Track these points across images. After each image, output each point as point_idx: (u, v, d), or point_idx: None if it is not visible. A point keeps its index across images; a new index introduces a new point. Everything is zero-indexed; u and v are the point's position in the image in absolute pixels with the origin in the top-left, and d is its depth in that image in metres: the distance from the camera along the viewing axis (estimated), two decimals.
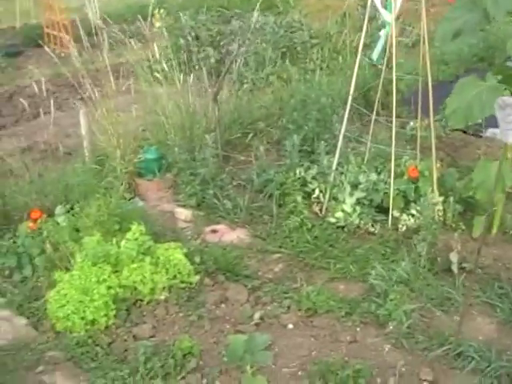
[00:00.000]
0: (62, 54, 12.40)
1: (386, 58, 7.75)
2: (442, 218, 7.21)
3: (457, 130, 9.84)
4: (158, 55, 9.53)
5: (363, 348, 5.57)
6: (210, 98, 8.42)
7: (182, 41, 11.94)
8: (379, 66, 8.05)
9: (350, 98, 7.35)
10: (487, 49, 12.92)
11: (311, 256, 6.83)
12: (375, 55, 7.94)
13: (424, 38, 7.15)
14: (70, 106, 10.78)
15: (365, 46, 8.72)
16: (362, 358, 5.41)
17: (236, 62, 9.54)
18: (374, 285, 6.20)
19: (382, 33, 7.73)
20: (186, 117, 8.39)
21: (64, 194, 7.41)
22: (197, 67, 10.41)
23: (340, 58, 11.83)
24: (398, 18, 8.14)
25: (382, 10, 7.43)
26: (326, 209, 7.42)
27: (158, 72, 9.00)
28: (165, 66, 8.79)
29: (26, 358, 5.48)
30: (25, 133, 10.09)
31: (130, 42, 9.34)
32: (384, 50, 7.74)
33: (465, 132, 9.89)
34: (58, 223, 6.74)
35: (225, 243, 7.03)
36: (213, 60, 11.44)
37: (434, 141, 7.39)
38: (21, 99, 10.15)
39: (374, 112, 7.86)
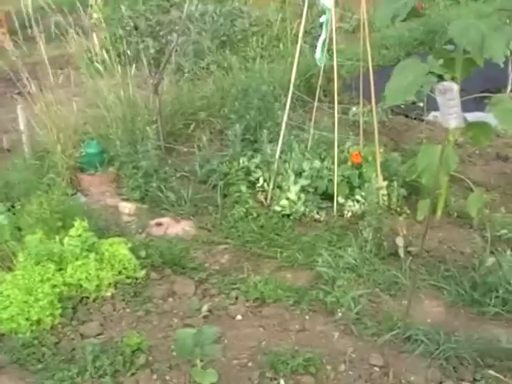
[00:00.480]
0: None
1: (325, 48, 7.72)
2: (386, 203, 7.25)
3: (399, 114, 9.95)
4: (97, 47, 9.38)
5: (312, 336, 5.55)
6: (151, 90, 8.31)
7: (120, 31, 11.76)
8: (320, 65, 8.01)
9: (292, 85, 7.32)
10: (427, 33, 13.06)
11: (257, 245, 6.80)
12: (318, 55, 7.91)
13: (364, 22, 7.14)
14: (7, 101, 10.54)
15: (305, 32, 8.76)
16: (311, 346, 5.39)
17: (175, 52, 9.41)
18: (321, 272, 6.19)
19: (323, 19, 7.70)
20: (127, 109, 8.26)
21: (4, 191, 7.27)
22: (137, 58, 10.27)
23: (281, 45, 11.82)
24: (337, 4, 8.12)
25: None
26: (271, 197, 7.38)
27: (98, 63, 8.86)
28: (106, 56, 8.64)
29: None
30: None
31: (68, 34, 9.15)
32: (324, 43, 7.71)
33: (407, 116, 9.99)
34: None
35: (170, 236, 6.96)
36: (152, 51, 11.28)
37: (376, 126, 7.40)
38: None
39: (316, 99, 7.85)
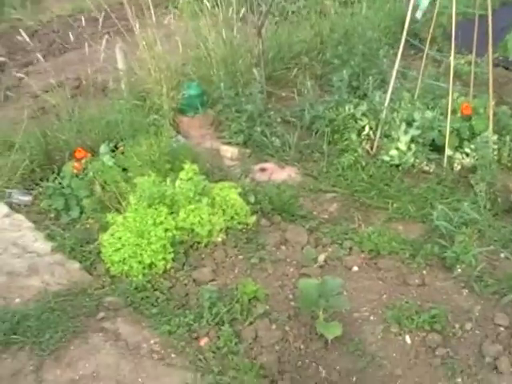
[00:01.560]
0: None
1: None
2: (497, 158, 6.96)
3: (497, 65, 9.56)
4: None
5: (433, 291, 5.36)
6: (253, 32, 8.08)
7: None
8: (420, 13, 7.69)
9: (405, 32, 7.00)
10: None
11: (367, 195, 6.62)
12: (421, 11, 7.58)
13: None
14: (96, 40, 10.39)
15: None
16: (433, 302, 5.20)
17: None
18: (437, 226, 5.95)
19: None
20: (228, 51, 8.04)
21: (106, 131, 7.15)
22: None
23: None
24: None
25: None
26: (377, 147, 7.15)
27: (189, 4, 8.66)
28: None
29: (84, 303, 5.28)
30: (54, 69, 9.75)
31: None
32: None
33: (507, 68, 9.60)
34: (103, 163, 6.48)
35: (276, 182, 6.79)
36: None
37: (491, 77, 7.07)
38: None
39: (427, 46, 7.54)
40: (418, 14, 7.55)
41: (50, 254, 5.89)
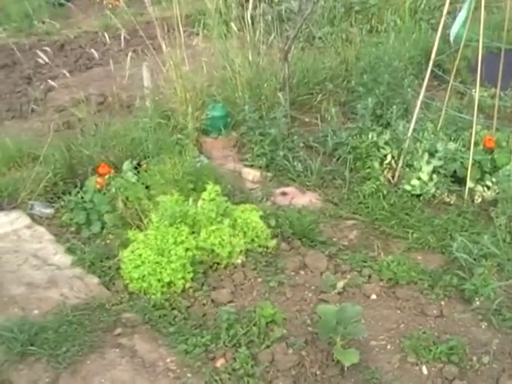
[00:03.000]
0: (110, 6, 12.13)
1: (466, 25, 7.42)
2: None
3: None
4: (213, 10, 9.23)
5: (451, 323, 5.35)
6: (280, 56, 8.13)
7: None
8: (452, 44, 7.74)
9: (431, 62, 7.04)
10: None
11: (387, 224, 6.63)
12: (455, 30, 7.59)
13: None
14: (122, 57, 10.47)
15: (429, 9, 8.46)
16: (451, 333, 5.19)
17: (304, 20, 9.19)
18: (457, 258, 5.95)
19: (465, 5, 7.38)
20: (254, 74, 8.10)
21: (130, 148, 7.20)
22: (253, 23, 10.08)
23: (397, 19, 11.47)
24: None
25: None
26: (399, 176, 7.16)
27: (212, 27, 8.73)
28: (233, 20, 8.47)
29: (102, 318, 5.30)
30: (79, 84, 9.86)
31: None
32: (465, 20, 7.41)
33: None
34: (127, 179, 6.52)
35: (296, 207, 6.81)
36: (268, 17, 11.07)
37: None
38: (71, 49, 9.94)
39: (452, 77, 7.56)
40: (452, 35, 7.54)
41: (70, 268, 5.93)
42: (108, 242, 6.29)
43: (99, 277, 5.82)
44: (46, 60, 7.70)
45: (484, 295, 5.51)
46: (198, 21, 9.42)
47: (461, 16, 7.46)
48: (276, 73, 8.31)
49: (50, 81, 9.81)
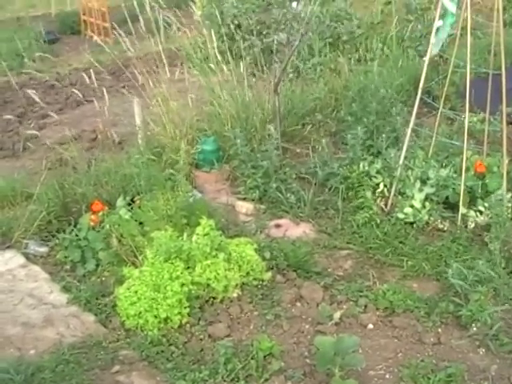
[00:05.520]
0: (99, 42, 12.19)
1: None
2: (510, 215, 6.97)
3: (511, 123, 9.62)
4: (203, 43, 9.32)
5: (449, 350, 5.35)
6: (266, 88, 8.20)
7: (223, 29, 11.62)
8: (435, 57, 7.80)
9: (420, 90, 7.10)
10: None
11: (381, 252, 6.64)
12: (437, 46, 7.63)
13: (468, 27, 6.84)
14: (112, 94, 10.52)
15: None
16: (449, 360, 5.19)
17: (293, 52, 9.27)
18: (453, 284, 5.95)
19: (440, 23, 7.41)
20: (241, 107, 8.15)
21: (122, 185, 7.22)
22: (240, 56, 10.15)
23: (385, 48, 11.56)
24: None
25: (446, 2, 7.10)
26: (392, 204, 7.18)
27: (201, 61, 8.80)
28: (217, 54, 8.56)
29: (99, 356, 5.29)
30: (70, 121, 9.91)
31: (170, 30, 9.08)
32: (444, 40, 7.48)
33: None
34: (120, 216, 6.53)
35: (291, 238, 6.82)
36: (257, 49, 11.15)
37: (505, 134, 7.14)
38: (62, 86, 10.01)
39: (441, 104, 7.61)
40: (434, 51, 7.55)
41: (66, 306, 5.93)
42: (103, 279, 6.28)
43: (95, 314, 5.81)
44: (37, 99, 7.74)
45: (481, 321, 5.53)
46: (187, 55, 9.51)
47: (444, 32, 7.48)
48: (263, 105, 8.35)
49: (41, 119, 9.93)
